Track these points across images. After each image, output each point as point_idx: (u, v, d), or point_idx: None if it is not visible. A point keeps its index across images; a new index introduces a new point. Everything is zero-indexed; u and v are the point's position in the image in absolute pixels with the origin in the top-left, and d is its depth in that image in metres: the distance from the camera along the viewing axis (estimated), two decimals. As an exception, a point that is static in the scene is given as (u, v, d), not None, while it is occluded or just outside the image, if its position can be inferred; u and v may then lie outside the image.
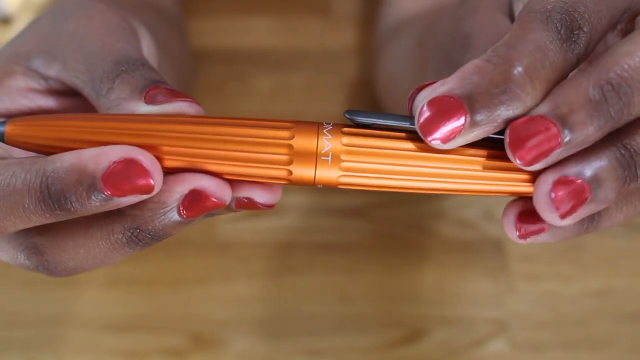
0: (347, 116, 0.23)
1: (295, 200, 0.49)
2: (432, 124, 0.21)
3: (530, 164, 0.21)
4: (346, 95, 0.53)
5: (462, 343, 0.44)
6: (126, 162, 0.21)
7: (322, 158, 0.23)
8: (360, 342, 0.44)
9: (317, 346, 0.44)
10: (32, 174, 0.22)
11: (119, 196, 0.21)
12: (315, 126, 0.23)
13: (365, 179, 0.23)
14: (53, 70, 0.26)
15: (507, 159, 0.22)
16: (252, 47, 0.56)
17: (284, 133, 0.23)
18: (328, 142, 0.23)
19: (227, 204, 0.23)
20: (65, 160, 0.22)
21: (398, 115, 0.23)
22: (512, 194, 0.23)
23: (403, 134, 0.23)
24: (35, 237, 0.24)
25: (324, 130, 0.23)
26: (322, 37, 0.56)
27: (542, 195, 0.22)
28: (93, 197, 0.21)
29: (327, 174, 0.23)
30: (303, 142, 0.23)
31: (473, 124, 0.21)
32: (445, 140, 0.21)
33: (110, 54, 0.25)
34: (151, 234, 0.23)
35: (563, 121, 0.21)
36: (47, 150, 0.23)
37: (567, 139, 0.21)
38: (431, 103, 0.21)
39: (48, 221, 0.22)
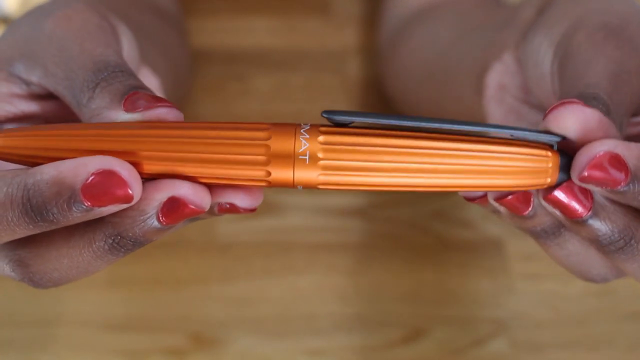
0: (325, 116, 0.23)
1: (295, 200, 0.49)
2: (596, 169, 0.22)
3: (586, 181, 0.22)
4: (346, 95, 0.53)
5: (462, 343, 0.44)
6: (104, 173, 0.22)
7: (300, 158, 0.22)
8: (360, 342, 0.44)
9: (317, 346, 0.44)
10: (14, 187, 0.22)
11: (99, 206, 0.22)
12: (292, 127, 0.23)
13: (345, 177, 0.23)
14: (35, 76, 0.26)
15: (490, 153, 0.22)
16: (252, 47, 0.56)
17: (261, 134, 0.23)
18: (305, 142, 0.23)
19: (205, 210, 0.23)
20: (45, 172, 0.22)
21: (376, 113, 0.23)
22: (496, 188, 0.23)
23: (381, 131, 0.23)
24: (18, 249, 0.24)
25: (301, 130, 0.23)
26: (322, 37, 0.56)
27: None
28: (74, 208, 0.22)
29: (306, 174, 0.23)
30: (280, 142, 0.22)
31: (622, 192, 0.22)
32: (585, 180, 0.22)
33: (89, 60, 0.25)
34: (132, 240, 0.23)
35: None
36: (30, 160, 0.23)
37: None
38: (606, 158, 0.22)
39: (32, 232, 0.23)
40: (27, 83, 0.26)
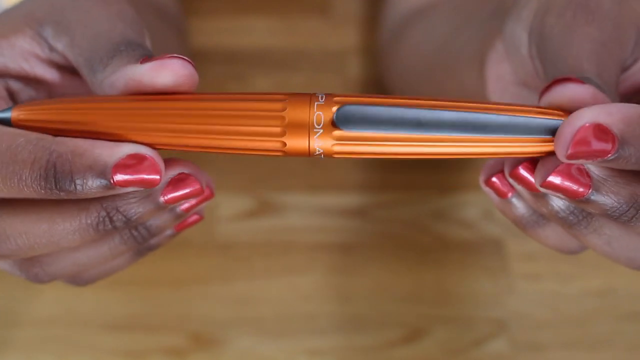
0: (337, 124, 0.23)
1: (295, 200, 0.49)
2: (580, 145, 0.22)
3: (574, 158, 0.22)
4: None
5: (462, 343, 0.44)
6: (138, 156, 0.23)
7: (315, 129, 0.23)
8: (360, 342, 0.44)
9: (317, 346, 0.44)
10: (40, 150, 0.22)
11: (123, 187, 0.22)
12: (307, 97, 0.23)
13: (360, 147, 0.23)
14: (60, 43, 0.26)
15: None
16: (252, 47, 0.56)
17: (277, 105, 0.23)
18: (320, 113, 0.23)
19: (203, 192, 0.24)
20: (79, 145, 0.22)
21: (390, 115, 0.23)
22: (508, 155, 0.23)
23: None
24: None
25: (316, 102, 0.23)
26: (322, 37, 0.56)
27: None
28: (99, 183, 0.22)
29: (320, 144, 0.23)
30: (295, 113, 0.23)
31: (613, 159, 0.22)
32: (573, 157, 0.22)
33: (118, 37, 0.25)
34: (127, 216, 0.24)
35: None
36: (51, 132, 0.24)
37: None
38: (589, 131, 0.22)
39: (36, 197, 0.23)
40: (51, 49, 0.26)
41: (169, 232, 0.27)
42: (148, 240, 0.26)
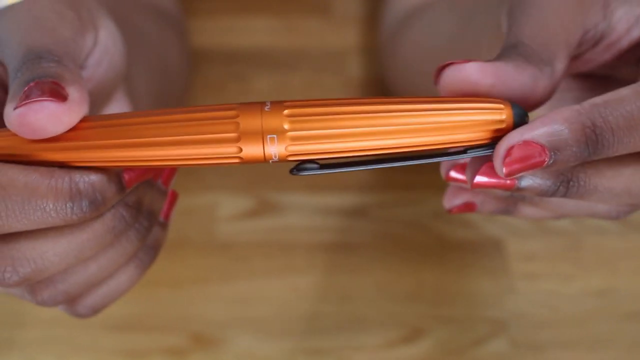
0: (295, 172, 0.24)
1: (295, 200, 0.49)
2: (515, 167, 0.23)
3: (511, 174, 0.23)
4: (346, 95, 0.53)
5: (462, 343, 0.44)
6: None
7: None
8: (360, 342, 0.44)
9: (317, 346, 0.44)
10: (58, 181, 0.23)
11: (132, 184, 0.25)
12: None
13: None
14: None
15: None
16: (252, 47, 0.56)
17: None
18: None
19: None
20: (92, 172, 0.23)
21: (346, 162, 0.24)
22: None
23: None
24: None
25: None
26: (322, 37, 0.56)
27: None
28: (115, 188, 0.24)
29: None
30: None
31: (551, 165, 0.22)
32: (513, 174, 0.23)
33: (22, 49, 0.24)
34: (135, 203, 0.25)
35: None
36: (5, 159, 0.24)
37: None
38: (521, 150, 0.22)
39: (60, 224, 0.23)
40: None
41: (160, 222, 0.28)
42: (150, 231, 0.26)
